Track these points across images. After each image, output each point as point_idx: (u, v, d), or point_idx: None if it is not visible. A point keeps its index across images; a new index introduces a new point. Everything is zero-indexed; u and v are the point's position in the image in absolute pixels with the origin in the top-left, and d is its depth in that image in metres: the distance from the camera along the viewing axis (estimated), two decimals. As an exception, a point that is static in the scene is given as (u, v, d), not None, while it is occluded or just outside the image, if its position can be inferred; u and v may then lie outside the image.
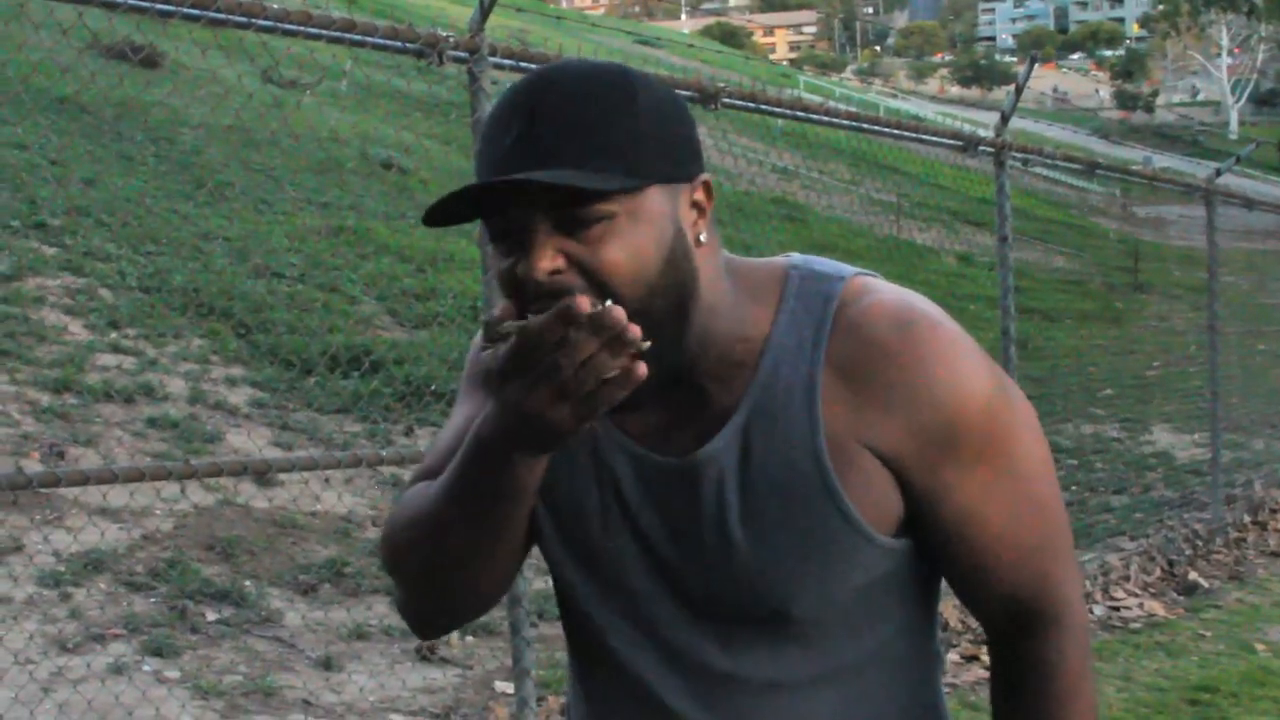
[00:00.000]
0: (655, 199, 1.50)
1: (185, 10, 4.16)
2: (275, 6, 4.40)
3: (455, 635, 6.77)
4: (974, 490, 1.60)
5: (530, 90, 1.50)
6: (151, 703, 5.83)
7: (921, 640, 1.72)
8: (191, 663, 6.41)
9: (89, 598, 6.85)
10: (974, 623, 6.01)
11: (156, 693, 5.98)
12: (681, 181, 1.54)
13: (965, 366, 1.59)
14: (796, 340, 1.59)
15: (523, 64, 5.01)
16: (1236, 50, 76.01)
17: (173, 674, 6.25)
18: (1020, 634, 1.68)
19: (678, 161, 1.54)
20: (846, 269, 1.66)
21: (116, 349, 10.23)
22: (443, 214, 1.50)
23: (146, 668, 6.27)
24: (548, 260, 1.46)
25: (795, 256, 1.69)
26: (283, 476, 8.20)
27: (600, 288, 1.46)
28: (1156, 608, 8.28)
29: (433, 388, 10.14)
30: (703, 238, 1.56)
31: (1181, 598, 8.64)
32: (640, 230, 1.48)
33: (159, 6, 4.15)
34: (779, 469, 1.57)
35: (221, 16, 4.24)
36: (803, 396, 1.57)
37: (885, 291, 1.63)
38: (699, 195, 1.56)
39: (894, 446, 1.57)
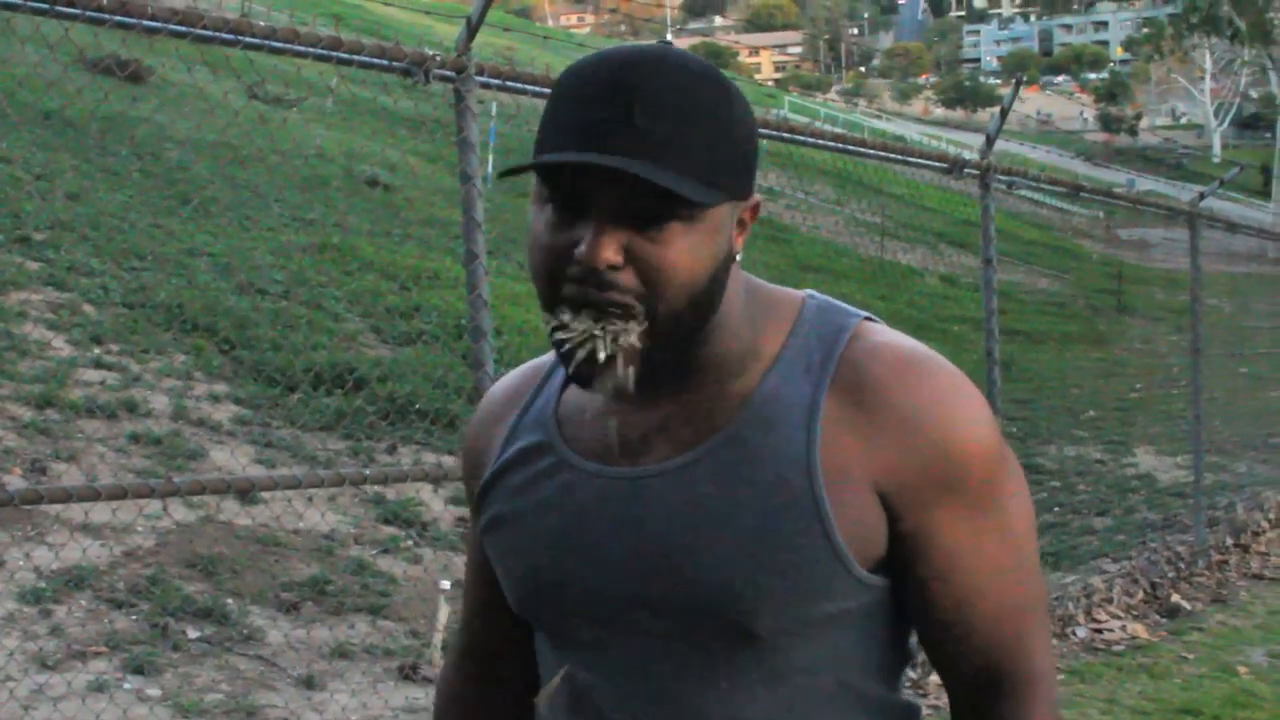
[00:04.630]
0: (723, 213, 1.53)
1: (172, 26, 4.16)
2: (262, 24, 4.40)
3: (438, 654, 6.75)
4: (963, 536, 1.59)
5: (630, 69, 1.48)
6: (132, 721, 5.81)
7: (887, 690, 1.67)
8: (173, 681, 6.38)
9: (70, 615, 6.83)
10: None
11: (137, 711, 5.95)
12: (743, 199, 1.56)
13: (974, 412, 1.59)
14: (805, 363, 1.59)
15: (509, 83, 5.02)
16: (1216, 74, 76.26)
17: (154, 692, 6.22)
18: (990, 700, 1.63)
19: (747, 179, 1.56)
20: (861, 311, 1.67)
21: (99, 364, 10.19)
22: (520, 169, 1.50)
23: (127, 686, 6.25)
24: (610, 252, 1.46)
25: (812, 291, 1.70)
26: (266, 494, 8.18)
27: (651, 286, 1.48)
28: (1139, 630, 8.29)
29: (417, 406, 10.13)
30: (739, 256, 1.58)
31: (1164, 620, 8.65)
32: (704, 240, 1.50)
33: (146, 23, 4.15)
34: (767, 481, 1.54)
35: (209, 33, 4.25)
36: (802, 414, 1.56)
37: (898, 334, 1.65)
38: (746, 215, 1.58)
39: (892, 478, 1.55)
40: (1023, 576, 1.64)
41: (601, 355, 1.49)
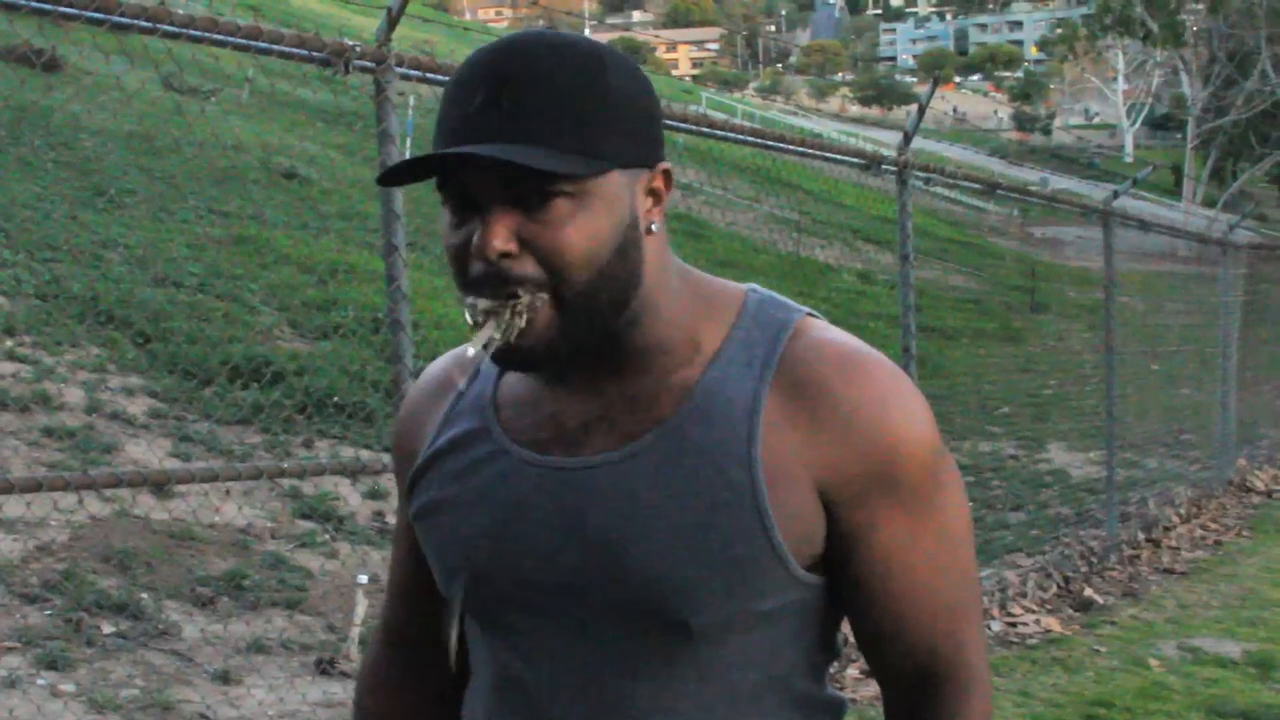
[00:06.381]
0: (615, 183, 1.51)
1: (89, 14, 4.11)
2: (180, 13, 4.36)
3: (354, 648, 6.72)
4: (901, 535, 1.59)
5: (500, 58, 1.49)
6: (46, 717, 5.75)
7: (815, 686, 1.68)
8: (87, 676, 6.32)
9: (-19, 610, 6.75)
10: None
11: (51, 707, 5.89)
12: (643, 167, 1.55)
13: (917, 413, 1.59)
14: (746, 357, 1.59)
15: (429, 75, 5.00)
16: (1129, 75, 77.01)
17: (68, 688, 6.16)
18: (923, 697, 1.65)
19: (641, 146, 1.54)
20: (803, 307, 1.67)
21: (12, 357, 10.08)
22: (397, 175, 1.51)
23: (41, 681, 6.18)
24: (500, 240, 1.46)
25: (754, 285, 1.70)
26: (181, 488, 8.11)
27: (550, 268, 1.47)
28: (1053, 624, 8.37)
29: (334, 399, 10.07)
30: (654, 227, 1.56)
31: (1077, 614, 8.74)
32: (597, 214, 1.49)
33: (62, 9, 4.10)
34: (708, 476, 1.54)
35: (126, 21, 4.20)
36: (744, 409, 1.55)
37: (840, 331, 1.64)
38: (657, 183, 1.57)
39: (832, 475, 1.55)
40: (961, 578, 1.65)
41: (515, 332, 1.49)
